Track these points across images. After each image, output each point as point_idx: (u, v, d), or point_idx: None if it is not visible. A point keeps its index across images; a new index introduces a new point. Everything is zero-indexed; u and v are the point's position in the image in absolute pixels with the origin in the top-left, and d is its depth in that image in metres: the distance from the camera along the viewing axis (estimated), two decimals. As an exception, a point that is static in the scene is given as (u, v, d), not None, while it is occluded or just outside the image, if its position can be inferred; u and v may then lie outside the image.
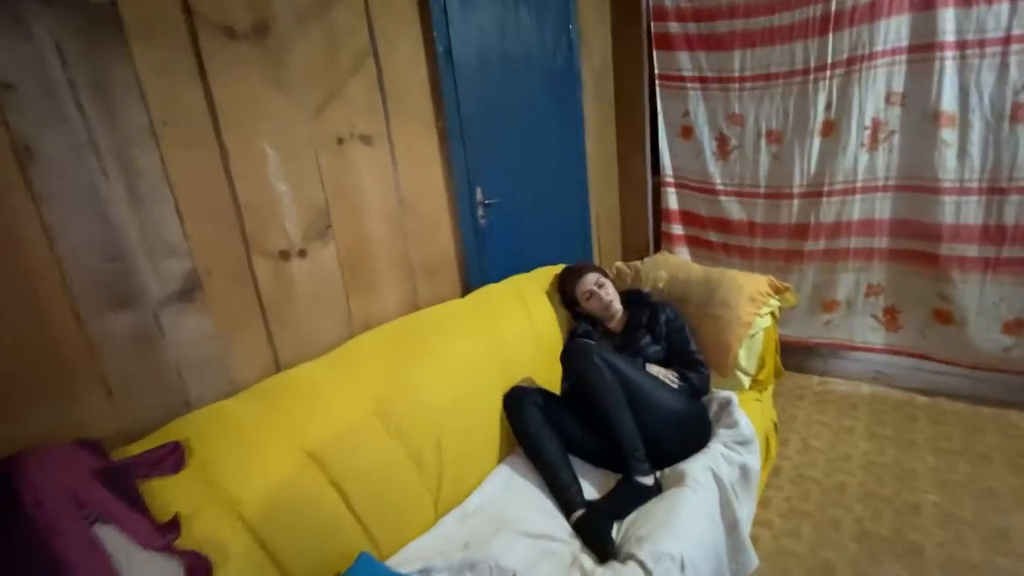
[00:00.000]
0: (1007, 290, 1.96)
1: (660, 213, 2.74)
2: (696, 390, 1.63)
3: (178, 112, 1.12)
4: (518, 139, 2.03)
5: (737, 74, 2.33)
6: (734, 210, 2.50)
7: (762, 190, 2.40)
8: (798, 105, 2.22)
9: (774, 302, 1.76)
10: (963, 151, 1.94)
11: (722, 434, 1.53)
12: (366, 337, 1.44)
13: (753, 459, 1.50)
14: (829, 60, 2.11)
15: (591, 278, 1.80)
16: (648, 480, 1.39)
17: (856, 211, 2.19)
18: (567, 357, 1.54)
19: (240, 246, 1.25)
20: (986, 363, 2.05)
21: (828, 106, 2.16)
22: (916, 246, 2.11)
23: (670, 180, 2.66)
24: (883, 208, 2.15)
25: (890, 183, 2.12)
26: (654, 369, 1.62)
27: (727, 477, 1.41)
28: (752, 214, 2.46)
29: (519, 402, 1.52)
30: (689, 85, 2.47)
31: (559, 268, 2.02)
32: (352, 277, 1.50)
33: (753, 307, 1.72)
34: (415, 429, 1.32)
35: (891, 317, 2.25)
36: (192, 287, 1.17)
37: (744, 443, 1.52)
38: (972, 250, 1.98)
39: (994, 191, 1.92)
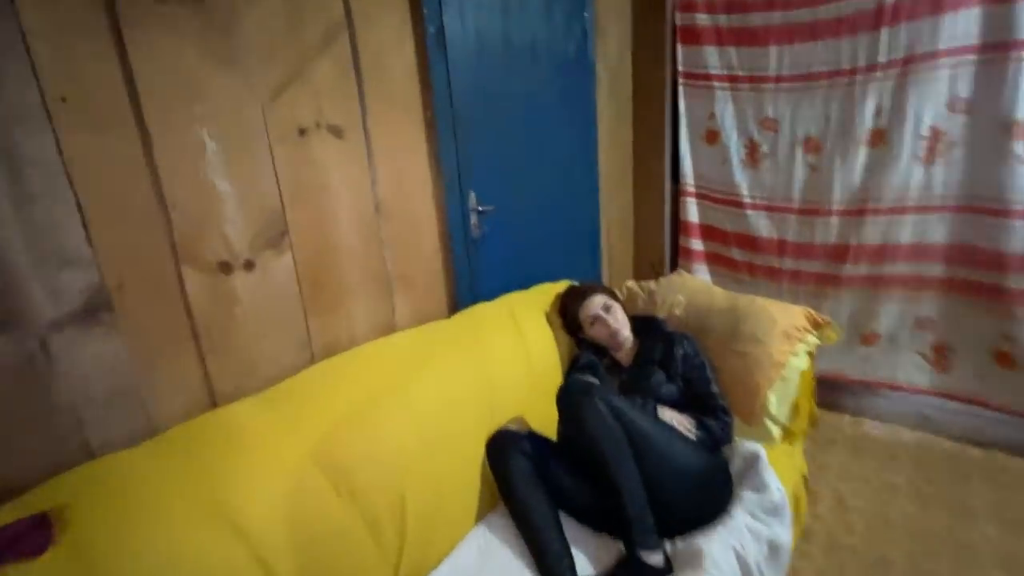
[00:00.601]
0: (1086, 333, 1.68)
1: (678, 226, 2.48)
2: (716, 441, 1.37)
3: (83, 87, 0.90)
4: (520, 137, 1.79)
5: (772, 73, 2.07)
6: (762, 226, 2.23)
7: (796, 205, 2.13)
8: (842, 110, 1.95)
9: (812, 339, 1.50)
10: (1041, 168, 1.66)
11: (747, 499, 1.27)
12: (323, 367, 1.21)
13: (784, 532, 1.24)
14: (882, 59, 1.84)
15: (598, 300, 1.55)
16: (656, 557, 1.13)
17: (906, 233, 1.92)
18: (564, 398, 1.29)
19: (166, 255, 1.02)
20: (1056, 416, 1.76)
21: (878, 112, 1.89)
22: (977, 276, 1.82)
23: (691, 189, 2.40)
24: (939, 231, 1.87)
25: (949, 202, 1.84)
26: (667, 414, 1.37)
27: (753, 557, 1.15)
28: (783, 231, 2.19)
29: (504, 450, 1.28)
30: (716, 84, 2.21)
31: (562, 286, 1.77)
32: (313, 293, 1.27)
33: (787, 344, 1.46)
34: (373, 485, 1.08)
35: (941, 356, 1.97)
36: (97, 305, 0.94)
37: (774, 512, 1.26)
38: (1046, 284, 1.70)
39: (1077, 217, 1.64)
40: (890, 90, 1.85)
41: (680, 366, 1.46)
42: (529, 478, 1.25)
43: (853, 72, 1.90)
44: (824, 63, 1.95)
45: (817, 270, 2.12)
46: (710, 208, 2.37)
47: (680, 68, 2.28)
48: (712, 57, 2.18)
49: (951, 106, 1.77)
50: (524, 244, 1.83)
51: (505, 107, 1.71)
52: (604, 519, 1.25)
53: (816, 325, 1.51)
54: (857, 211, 1.99)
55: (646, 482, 1.20)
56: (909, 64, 1.80)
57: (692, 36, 2.21)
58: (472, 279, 1.65)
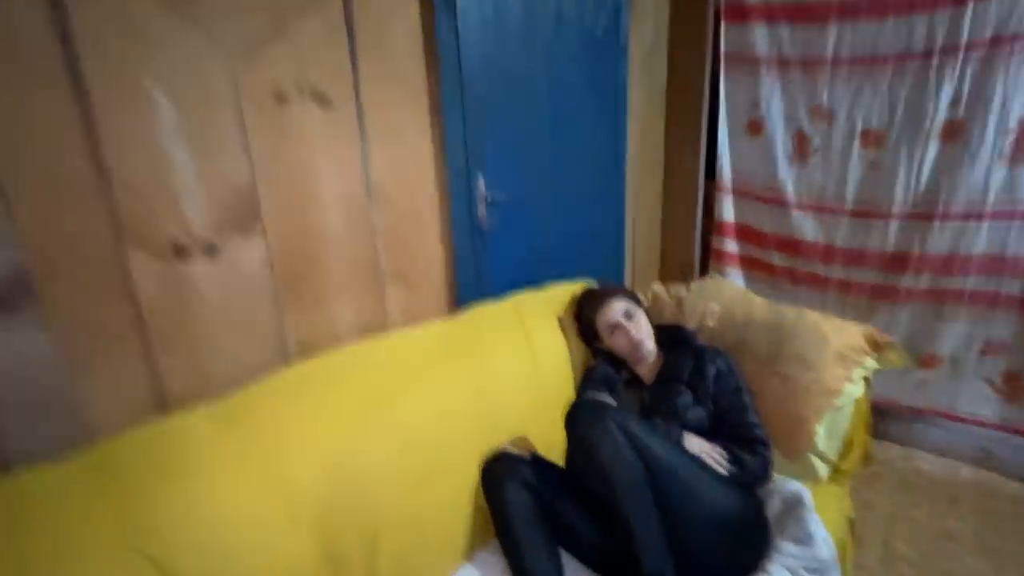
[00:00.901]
0: None
1: (711, 225, 2.26)
2: (752, 479, 1.17)
3: (1, 32, 0.74)
4: (539, 120, 1.59)
5: (830, 54, 1.82)
6: (808, 228, 1.99)
7: (849, 206, 1.89)
8: (912, 98, 1.70)
9: (871, 363, 1.28)
10: None
11: (788, 552, 1.07)
12: (296, 372, 1.04)
13: (832, 597, 1.03)
14: (963, 39, 1.58)
15: (618, 306, 1.35)
16: (676, 622, 0.94)
17: (981, 242, 1.66)
18: (573, 420, 1.10)
19: (107, 235, 0.87)
20: None
21: (956, 101, 1.63)
22: (1065, 296, 1.57)
23: (728, 185, 2.17)
24: (1021, 241, 1.61)
25: (1036, 209, 1.58)
26: (695, 444, 1.17)
27: (795, 628, 0.95)
28: (831, 235, 1.94)
29: (501, 479, 1.10)
30: (764, 68, 1.97)
31: (578, 286, 1.58)
32: (290, 286, 1.11)
33: (842, 368, 1.24)
34: (341, 519, 0.91)
35: (1014, 385, 1.71)
36: (19, 293, 0.79)
37: (820, 571, 1.05)
38: None
39: None
40: (972, 75, 1.59)
41: (712, 387, 1.26)
42: (528, 514, 1.07)
43: (928, 55, 1.65)
44: (894, 43, 1.70)
45: (871, 280, 1.88)
46: (749, 206, 2.14)
47: (723, 49, 2.04)
48: (760, 36, 1.94)
49: (1047, 95, 1.51)
50: (539, 238, 1.64)
51: (523, 84, 1.52)
52: (616, 566, 1.06)
53: (876, 346, 1.28)
54: (923, 215, 1.74)
55: (667, 526, 1.01)
56: (998, 45, 1.54)
57: (738, 13, 1.97)
58: (478, 275, 1.47)
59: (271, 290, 1.08)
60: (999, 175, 1.60)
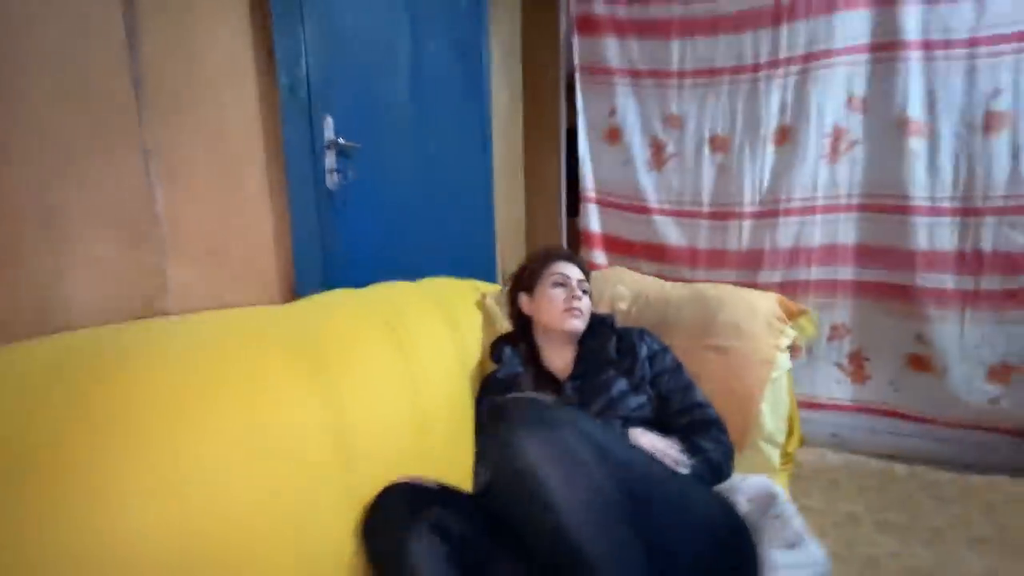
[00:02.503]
0: (988, 329, 1.66)
1: (577, 236, 2.15)
2: (718, 473, 0.93)
3: None
4: (398, 55, 1.28)
5: (675, 67, 1.92)
6: (671, 233, 2.00)
7: (705, 208, 1.94)
8: (748, 107, 1.85)
9: (790, 331, 1.18)
10: (932, 164, 1.67)
11: (783, 563, 0.81)
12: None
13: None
14: (783, 55, 1.78)
15: (578, 272, 1.09)
16: None
17: (817, 235, 1.81)
18: (492, 425, 0.72)
19: None
20: (970, 419, 1.69)
21: (783, 109, 1.81)
22: (886, 277, 1.76)
23: (591, 195, 2.10)
24: (847, 231, 1.80)
25: (854, 201, 1.78)
26: (644, 441, 0.89)
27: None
28: (693, 238, 1.97)
29: (398, 525, 0.64)
30: (618, 79, 1.99)
31: (467, 284, 1.24)
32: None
33: (772, 337, 1.11)
34: None
35: (858, 365, 1.85)
36: None
37: (823, 578, 0.81)
38: (948, 281, 1.68)
39: (968, 212, 1.65)
40: (793, 86, 1.79)
41: (647, 370, 1.01)
42: (446, 571, 0.63)
43: (756, 68, 1.82)
44: (727, 58, 1.85)
45: (731, 279, 1.92)
46: (613, 215, 2.09)
47: (577, 61, 2.04)
48: (612, 49, 1.98)
49: (849, 104, 1.75)
50: (405, 209, 1.27)
51: (380, 9, 1.20)
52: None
53: (790, 314, 1.20)
54: (768, 212, 1.85)
55: (653, 559, 0.68)
56: (810, 61, 1.76)
57: (590, 26, 2.00)
58: (325, 250, 1.02)
59: None
60: (824, 174, 1.79)
